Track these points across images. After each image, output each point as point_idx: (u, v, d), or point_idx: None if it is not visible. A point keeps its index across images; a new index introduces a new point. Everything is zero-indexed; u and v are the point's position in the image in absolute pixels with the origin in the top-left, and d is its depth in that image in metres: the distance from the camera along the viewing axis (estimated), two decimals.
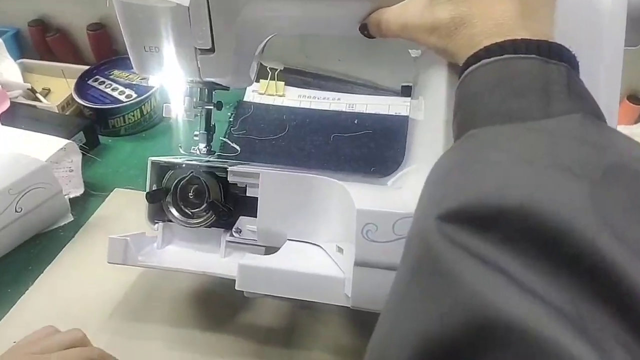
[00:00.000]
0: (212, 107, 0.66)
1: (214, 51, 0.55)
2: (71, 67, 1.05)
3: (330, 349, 0.59)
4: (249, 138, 0.91)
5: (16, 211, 0.70)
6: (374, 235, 0.46)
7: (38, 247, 0.73)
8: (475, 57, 0.37)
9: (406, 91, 0.98)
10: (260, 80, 1.01)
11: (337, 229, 0.52)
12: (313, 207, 0.55)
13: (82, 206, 0.80)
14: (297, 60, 1.02)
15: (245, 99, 1.00)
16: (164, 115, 0.65)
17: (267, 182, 0.56)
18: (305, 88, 1.01)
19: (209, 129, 0.68)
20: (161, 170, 0.62)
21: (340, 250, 0.51)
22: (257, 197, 0.57)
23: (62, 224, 0.77)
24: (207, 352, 0.59)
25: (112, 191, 0.82)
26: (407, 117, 0.92)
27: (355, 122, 0.93)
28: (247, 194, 0.58)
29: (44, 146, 0.79)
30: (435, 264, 0.25)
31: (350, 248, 0.47)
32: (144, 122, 0.96)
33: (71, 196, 0.79)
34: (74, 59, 1.11)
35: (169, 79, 0.62)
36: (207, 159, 0.66)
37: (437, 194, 0.29)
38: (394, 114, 0.94)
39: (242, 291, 0.52)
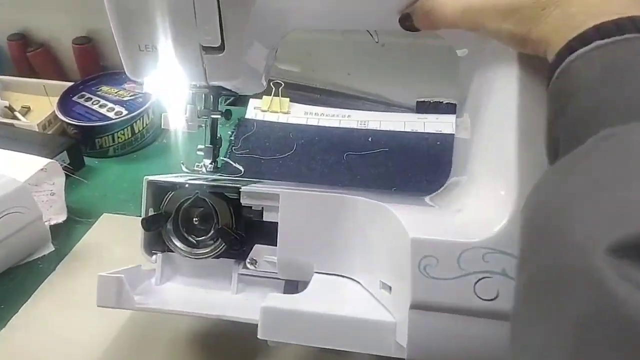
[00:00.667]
0: (218, 117, 0.57)
1: (223, 49, 0.47)
2: (54, 84, 0.96)
3: None
4: (253, 157, 0.82)
5: None
6: (434, 270, 0.37)
7: (13, 282, 0.63)
8: (581, 40, 0.29)
9: (422, 107, 0.90)
10: (264, 96, 0.93)
11: (380, 260, 0.43)
12: (347, 234, 0.46)
13: (65, 234, 0.70)
14: (302, 75, 0.94)
15: (247, 116, 0.91)
16: (162, 126, 0.56)
17: (288, 204, 0.48)
18: (312, 105, 0.93)
19: (215, 142, 0.59)
20: (159, 191, 0.53)
21: (385, 287, 0.42)
22: (275, 222, 0.48)
23: (42, 254, 0.67)
24: None
25: (99, 217, 0.73)
26: (426, 134, 0.86)
27: (370, 140, 0.84)
28: (264, 219, 0.50)
29: (22, 166, 0.69)
30: (624, 321, 0.17)
31: (403, 286, 0.38)
32: (135, 142, 0.87)
33: (52, 223, 0.69)
34: (57, 76, 1.02)
35: (167, 83, 0.53)
36: (213, 177, 0.57)
37: (592, 217, 0.20)
38: (410, 130, 0.86)
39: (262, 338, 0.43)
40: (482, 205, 0.40)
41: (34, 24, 1.02)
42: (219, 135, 0.60)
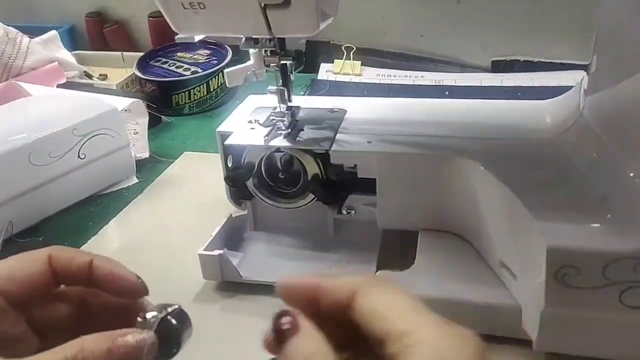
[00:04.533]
0: (290, 61, 0.48)
1: (289, 4, 0.40)
2: (131, 55, 0.99)
3: None
4: None
5: (79, 157, 0.60)
6: (573, 280, 0.34)
7: (100, 205, 0.63)
8: None
9: (498, 66, 0.89)
10: (335, 60, 0.93)
11: (500, 240, 0.41)
12: (454, 196, 0.44)
13: (148, 170, 0.70)
14: (373, 38, 0.94)
15: (319, 77, 0.91)
16: (227, 85, 0.50)
17: (386, 165, 0.45)
18: (384, 68, 0.93)
19: (288, 84, 0.49)
20: (238, 146, 0.51)
21: (507, 269, 0.41)
22: (372, 178, 0.46)
23: (127, 185, 0.66)
24: None
25: (180, 156, 0.73)
26: (505, 87, 0.84)
27: (447, 93, 0.83)
28: (359, 176, 0.47)
29: None
30: None
31: (532, 285, 0.36)
32: (210, 100, 0.87)
33: (136, 158, 0.69)
34: (131, 51, 1.05)
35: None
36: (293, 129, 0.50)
37: None
38: (488, 85, 0.84)
39: None
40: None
41: (110, 3, 1.07)
42: (292, 78, 0.50)
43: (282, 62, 0.47)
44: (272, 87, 0.49)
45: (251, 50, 0.46)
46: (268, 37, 0.44)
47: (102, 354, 0.24)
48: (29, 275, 0.28)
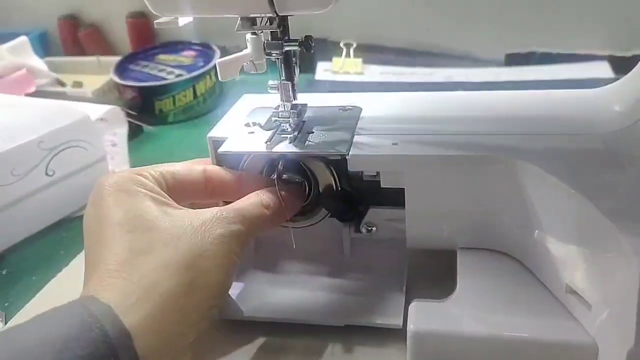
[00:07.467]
0: (295, 48, 0.39)
1: None
2: (108, 59, 0.90)
3: None
4: None
5: (47, 174, 0.52)
6: None
7: (72, 231, 0.54)
8: None
9: (513, 59, 0.81)
10: (334, 58, 0.85)
11: (566, 257, 0.34)
12: (502, 204, 0.37)
13: None
14: (375, 33, 0.86)
15: (317, 77, 0.83)
16: (220, 78, 0.39)
17: (418, 171, 0.37)
18: (388, 65, 0.85)
19: (292, 77, 0.41)
20: (234, 155, 0.42)
21: (576, 295, 0.33)
22: (398, 188, 0.38)
23: None
24: None
25: None
26: (526, 82, 0.77)
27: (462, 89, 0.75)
28: (382, 185, 0.39)
29: None
30: None
31: (612, 313, 0.29)
32: (197, 107, 0.79)
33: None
34: (109, 55, 0.96)
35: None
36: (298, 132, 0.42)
37: None
38: (506, 80, 0.77)
39: None
40: None
41: (85, 5, 0.98)
42: (297, 69, 0.41)
43: (286, 48, 0.38)
44: (273, 82, 0.40)
45: (248, 36, 0.38)
46: (270, 15, 0.35)
47: (276, 201, 0.37)
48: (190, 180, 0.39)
